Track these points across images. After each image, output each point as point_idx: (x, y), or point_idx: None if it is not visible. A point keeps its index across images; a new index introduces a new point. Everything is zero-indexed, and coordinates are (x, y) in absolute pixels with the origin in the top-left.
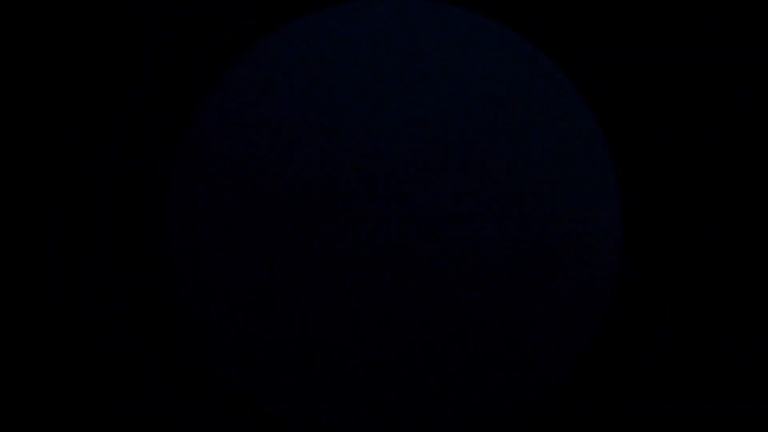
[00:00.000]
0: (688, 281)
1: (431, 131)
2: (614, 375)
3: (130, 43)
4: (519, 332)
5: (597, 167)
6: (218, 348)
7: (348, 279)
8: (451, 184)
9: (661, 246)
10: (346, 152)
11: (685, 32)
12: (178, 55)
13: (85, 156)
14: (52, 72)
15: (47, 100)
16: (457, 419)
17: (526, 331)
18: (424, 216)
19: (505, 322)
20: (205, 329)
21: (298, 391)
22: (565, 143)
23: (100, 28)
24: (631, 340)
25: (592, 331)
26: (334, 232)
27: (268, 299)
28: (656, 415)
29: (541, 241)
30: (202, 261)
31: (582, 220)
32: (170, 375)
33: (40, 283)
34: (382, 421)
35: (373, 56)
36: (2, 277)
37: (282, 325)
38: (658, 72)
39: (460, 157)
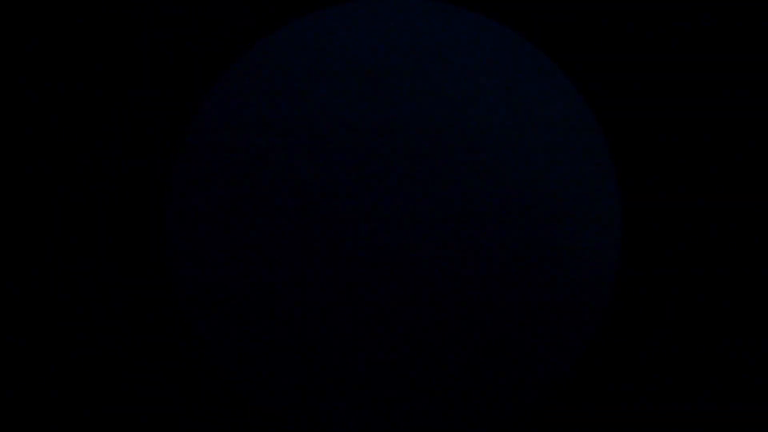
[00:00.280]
0: (688, 281)
1: (431, 131)
2: (614, 375)
3: (130, 43)
4: (519, 332)
5: (597, 167)
6: (218, 348)
7: (348, 279)
8: (451, 184)
9: (661, 246)
10: (346, 152)
11: (685, 32)
12: (178, 55)
13: (85, 156)
14: (52, 72)
15: (47, 100)
16: (457, 419)
17: (526, 331)
18: (424, 216)
19: (505, 322)
20: (205, 329)
21: (298, 391)
22: (565, 143)
23: (100, 28)
24: (631, 340)
25: (592, 331)
26: (334, 232)
27: (268, 299)
28: (656, 415)
29: (541, 241)
30: (202, 261)
31: (582, 220)
32: (170, 375)
33: (40, 283)
34: (382, 421)
35: (373, 56)
36: (2, 277)
37: (282, 325)
38: (658, 72)
39: (460, 157)
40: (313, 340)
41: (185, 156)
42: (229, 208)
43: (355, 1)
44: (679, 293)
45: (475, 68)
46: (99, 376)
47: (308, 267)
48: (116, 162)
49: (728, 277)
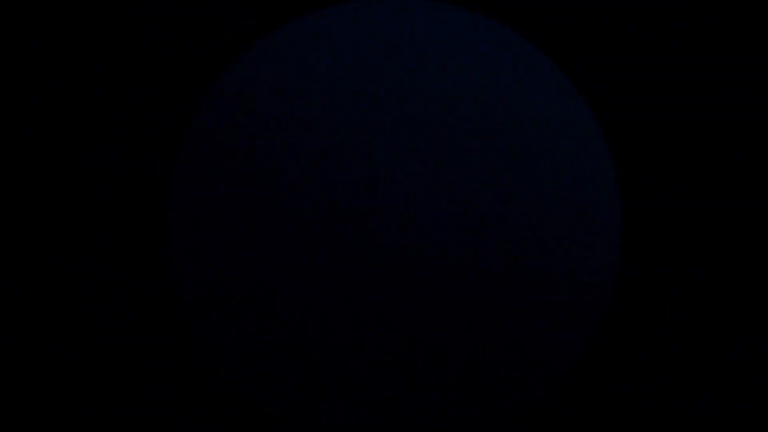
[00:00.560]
0: (688, 281)
1: (431, 131)
2: (614, 375)
3: (130, 43)
4: (519, 332)
5: (597, 167)
6: (218, 348)
7: (348, 279)
8: (450, 184)
9: (661, 246)
10: (346, 152)
11: (685, 32)
12: (178, 55)
13: (85, 156)
14: (52, 72)
15: (47, 100)
16: (457, 419)
17: (526, 331)
18: (423, 216)
19: (505, 322)
20: (205, 329)
21: (298, 391)
22: (565, 143)
23: (100, 28)
24: (631, 340)
25: (592, 331)
26: (334, 232)
27: (268, 299)
28: (656, 415)
29: (541, 241)
30: (202, 261)
31: (582, 220)
32: (170, 375)
33: (40, 283)
34: (382, 421)
35: (373, 56)
36: (2, 277)
37: (282, 325)
38: (658, 72)
39: (460, 158)
40: (313, 340)
41: (185, 156)
42: (229, 208)
43: (355, 1)
44: (679, 293)
45: (475, 68)
46: (99, 376)
47: (308, 267)
48: (116, 162)
49: (728, 277)
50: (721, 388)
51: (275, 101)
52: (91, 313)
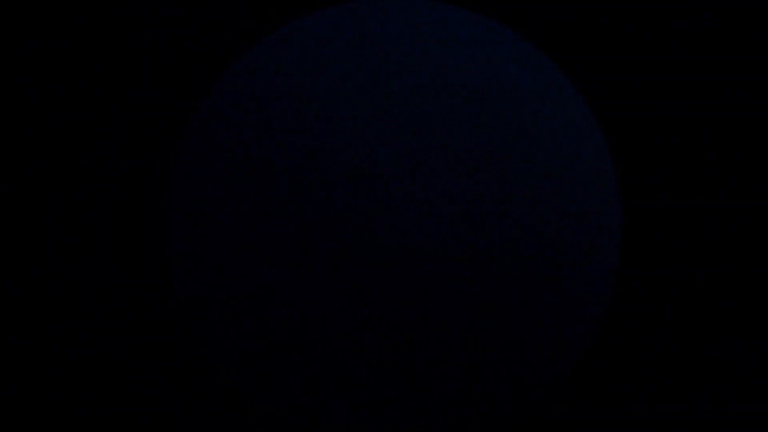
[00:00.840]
0: (688, 281)
1: (431, 131)
2: (614, 375)
3: (130, 43)
4: (519, 332)
5: (597, 167)
6: (218, 348)
7: (348, 279)
8: (450, 184)
9: (661, 246)
10: (346, 152)
11: (685, 32)
12: (178, 55)
13: (85, 156)
14: (52, 72)
15: (47, 100)
16: (457, 419)
17: (526, 331)
18: (423, 216)
19: (505, 322)
20: (205, 329)
21: (298, 391)
22: (565, 143)
23: (100, 28)
24: (631, 340)
25: (592, 331)
26: (334, 231)
27: (268, 299)
28: (656, 415)
29: (541, 240)
30: (202, 261)
31: (582, 220)
32: (170, 375)
33: (40, 283)
34: (382, 421)
35: (373, 56)
36: (2, 277)
37: (282, 325)
38: (658, 72)
39: (460, 157)
40: (313, 340)
41: (185, 156)
42: (229, 208)
43: (355, 1)
44: (679, 293)
45: (474, 68)
46: (99, 376)
47: (308, 267)
48: (116, 162)
49: (728, 277)
50: (721, 388)
51: (275, 101)
52: (91, 313)
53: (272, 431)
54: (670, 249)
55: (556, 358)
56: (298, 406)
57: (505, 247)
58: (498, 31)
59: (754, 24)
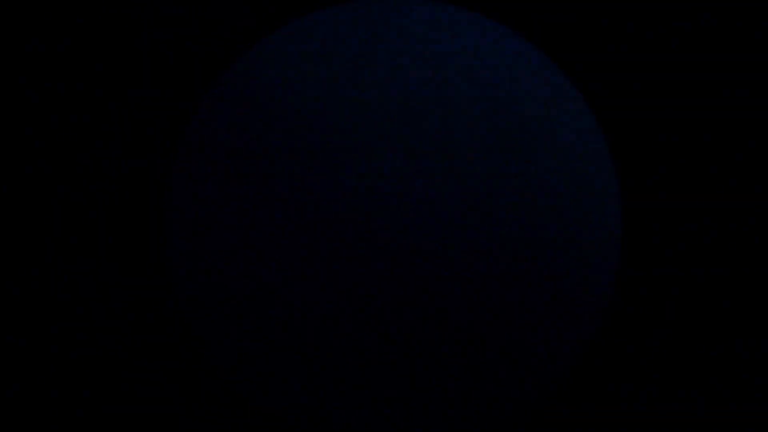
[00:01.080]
0: (688, 281)
1: (431, 131)
2: (614, 375)
3: (130, 43)
4: (519, 332)
5: (597, 167)
6: (218, 348)
7: (348, 278)
8: (450, 184)
9: (661, 246)
10: (346, 152)
11: (685, 32)
12: (178, 55)
13: (85, 156)
14: (52, 72)
15: (47, 100)
16: (457, 419)
17: (526, 331)
18: (423, 216)
19: (505, 322)
20: (205, 329)
21: (298, 391)
22: (565, 143)
23: (100, 28)
24: (631, 340)
25: (592, 331)
26: (334, 232)
27: (268, 299)
28: (656, 415)
29: (541, 241)
30: (202, 261)
31: (582, 220)
32: (170, 375)
33: (40, 283)
34: (382, 421)
35: (372, 57)
36: (2, 277)
37: (282, 325)
38: (658, 72)
39: (460, 157)
40: (313, 340)
41: (185, 156)
42: (229, 208)
43: (355, 1)
44: (679, 293)
45: (474, 68)
46: (99, 376)
47: (308, 267)
48: (116, 162)
49: (728, 277)
50: (721, 388)
51: (275, 101)
52: (91, 313)
53: (272, 431)
54: (670, 249)
55: (556, 358)
56: (298, 406)
57: (505, 246)
58: (498, 31)
59: (754, 24)
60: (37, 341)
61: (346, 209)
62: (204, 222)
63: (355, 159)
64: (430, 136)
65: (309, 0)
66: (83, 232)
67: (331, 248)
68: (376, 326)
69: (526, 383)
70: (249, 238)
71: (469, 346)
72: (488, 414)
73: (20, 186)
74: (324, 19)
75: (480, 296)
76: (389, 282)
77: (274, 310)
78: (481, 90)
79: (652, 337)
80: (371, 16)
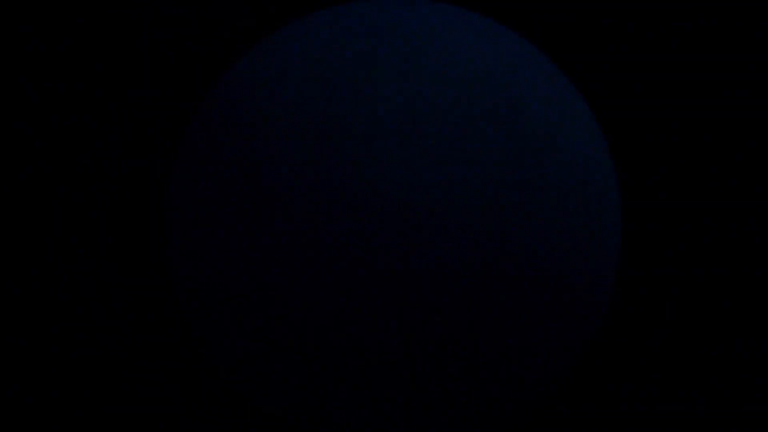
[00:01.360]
0: (688, 281)
1: (431, 131)
2: (614, 375)
3: (130, 43)
4: (519, 332)
5: (597, 167)
6: (218, 348)
7: (348, 279)
8: (450, 184)
9: (661, 246)
10: (346, 152)
11: (685, 32)
12: (178, 55)
13: (85, 156)
14: (52, 72)
15: (47, 100)
16: (457, 419)
17: (526, 331)
18: (423, 216)
19: (505, 322)
20: (205, 329)
21: (298, 391)
22: (565, 143)
23: (100, 28)
24: (631, 340)
25: (592, 331)
26: (334, 231)
27: (268, 299)
28: (656, 415)
29: (542, 240)
30: (202, 261)
31: (582, 220)
32: (170, 375)
33: (40, 283)
34: (382, 421)
35: (373, 57)
36: (2, 277)
37: (282, 325)
38: (658, 72)
39: (460, 157)
40: (313, 340)
41: (185, 156)
42: (229, 208)
43: (355, 1)
44: (679, 293)
45: (474, 68)
46: (99, 376)
47: (308, 267)
48: (116, 162)
49: (728, 277)
50: (721, 388)
51: (275, 101)
52: (91, 313)
53: (272, 431)
54: (670, 249)
55: (556, 358)
56: (298, 406)
57: (504, 247)
58: (498, 32)
59: (754, 24)
60: (37, 341)
61: (346, 209)
62: (204, 222)
63: (355, 159)
64: (430, 136)
65: (309, 0)
66: (83, 232)
67: (332, 248)
68: (376, 326)
69: (526, 383)
70: (249, 238)
71: (470, 346)
72: (488, 414)
73: (20, 186)
74: (324, 19)
75: (480, 296)
76: (389, 282)
77: (274, 310)
78: (480, 90)
79: (652, 337)
80: (371, 16)
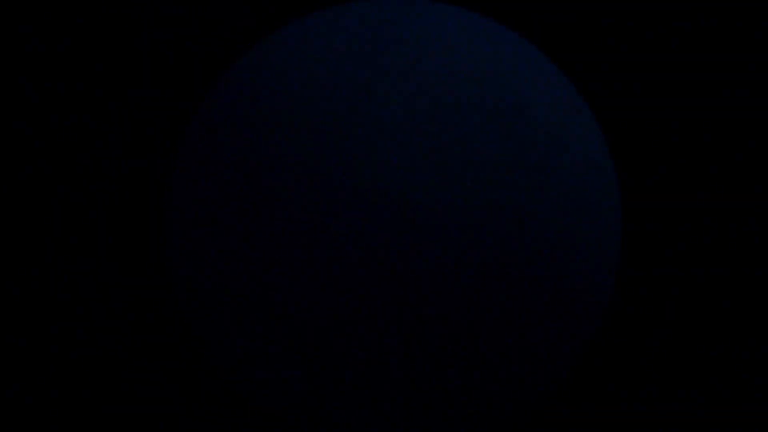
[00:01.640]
0: (688, 281)
1: (431, 131)
2: (614, 375)
3: (130, 43)
4: (519, 332)
5: (597, 167)
6: (218, 348)
7: (348, 279)
8: (450, 184)
9: (661, 246)
10: (346, 152)
11: (685, 32)
12: (178, 55)
13: (85, 156)
14: (52, 72)
15: (47, 100)
16: (457, 419)
17: (526, 331)
18: (423, 216)
19: (505, 322)
20: (205, 329)
21: (298, 391)
22: (565, 143)
23: (100, 28)
24: (631, 340)
25: (592, 331)
26: (334, 231)
27: (269, 299)
28: (656, 415)
29: (541, 240)
30: (202, 261)
31: (582, 220)
32: (170, 375)
33: (40, 283)
34: (382, 421)
35: (372, 57)
36: (2, 277)
37: (282, 325)
38: (658, 72)
39: (459, 157)
40: (314, 340)
41: (185, 156)
42: (229, 208)
43: (355, 1)
44: (679, 293)
45: (474, 68)
46: (99, 376)
47: (308, 267)
48: (116, 162)
49: (728, 277)
50: (721, 388)
51: (275, 101)
52: (91, 313)
53: (272, 431)
54: (670, 249)
55: (556, 358)
56: (298, 406)
57: (504, 247)
58: (498, 32)
59: (754, 24)
60: (37, 341)
61: (346, 210)
62: (204, 222)
63: (356, 159)
64: (430, 136)
65: (309, 0)
66: (83, 232)
67: (332, 248)
68: (376, 326)
69: (526, 383)
70: (249, 238)
71: (470, 346)
72: (488, 414)
73: (20, 186)
74: (324, 19)
75: (480, 296)
76: (389, 282)
77: (275, 310)
78: (480, 90)
79: (652, 337)
80: (371, 16)
